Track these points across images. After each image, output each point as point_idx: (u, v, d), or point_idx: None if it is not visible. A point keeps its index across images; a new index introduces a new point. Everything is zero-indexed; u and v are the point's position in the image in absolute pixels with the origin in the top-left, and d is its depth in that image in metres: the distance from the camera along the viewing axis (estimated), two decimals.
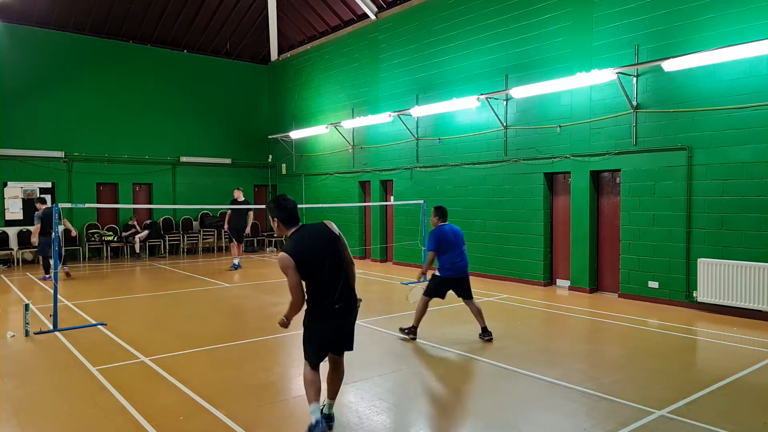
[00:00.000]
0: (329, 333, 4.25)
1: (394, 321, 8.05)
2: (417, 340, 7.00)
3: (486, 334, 6.97)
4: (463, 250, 7.13)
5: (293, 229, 4.22)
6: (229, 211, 13.82)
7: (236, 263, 13.82)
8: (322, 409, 4.31)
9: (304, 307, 4.20)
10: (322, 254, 4.13)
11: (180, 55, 18.04)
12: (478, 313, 7.07)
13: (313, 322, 4.22)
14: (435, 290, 7.12)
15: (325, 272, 4.13)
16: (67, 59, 15.84)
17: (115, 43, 16.71)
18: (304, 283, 4.10)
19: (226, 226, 13.94)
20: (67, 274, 12.24)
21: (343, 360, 4.46)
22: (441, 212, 7.22)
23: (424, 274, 7.40)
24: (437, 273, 7.10)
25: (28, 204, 15.21)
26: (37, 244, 12.02)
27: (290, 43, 18.78)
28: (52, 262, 11.21)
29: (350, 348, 4.41)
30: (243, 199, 14.11)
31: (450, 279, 7.03)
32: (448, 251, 7.01)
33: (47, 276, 11.84)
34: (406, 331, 7.08)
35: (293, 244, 4.11)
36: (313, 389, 4.18)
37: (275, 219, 4.24)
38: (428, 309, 7.18)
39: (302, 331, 4.30)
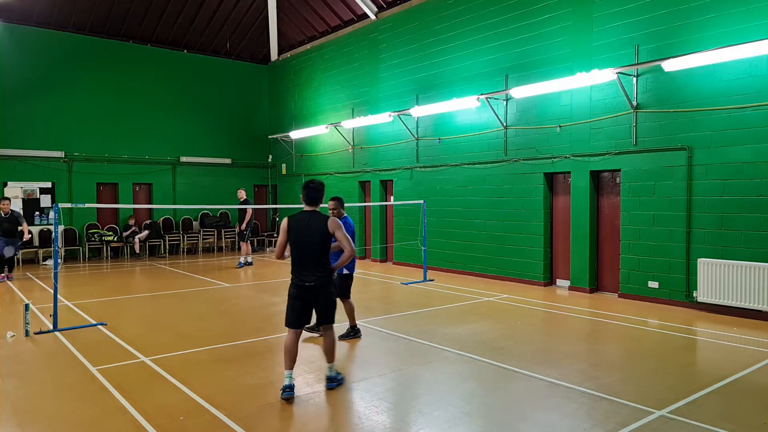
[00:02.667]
0: (301, 304, 5.12)
1: (394, 321, 8.05)
2: (417, 340, 6.99)
3: (355, 332, 7.12)
4: None
5: (307, 208, 5.20)
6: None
7: (241, 261, 14.16)
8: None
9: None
10: (307, 237, 5.05)
11: (180, 55, 18.04)
12: (351, 311, 7.09)
13: (290, 292, 5.16)
14: (349, 288, 7.08)
15: (303, 251, 5.06)
16: (67, 59, 15.84)
17: (115, 43, 16.72)
18: (290, 256, 5.16)
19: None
20: (8, 277, 12.27)
21: (328, 330, 5.33)
22: (343, 203, 6.99)
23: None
24: (346, 271, 6.95)
25: (29, 204, 15.22)
26: None
27: (290, 43, 18.78)
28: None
29: (327, 321, 5.25)
30: (243, 198, 14.20)
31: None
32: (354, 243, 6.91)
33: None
34: (351, 334, 7.09)
35: (296, 216, 5.16)
36: (288, 357, 5.09)
37: (302, 197, 5.29)
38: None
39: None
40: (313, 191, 5.21)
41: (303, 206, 5.24)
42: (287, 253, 5.20)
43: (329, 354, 5.35)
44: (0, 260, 12.07)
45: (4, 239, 11.87)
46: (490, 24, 11.73)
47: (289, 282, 5.21)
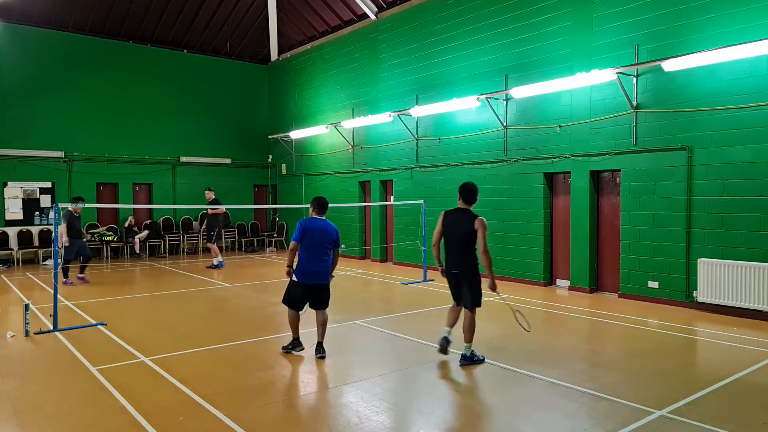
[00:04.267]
0: (451, 286, 6.15)
1: (394, 321, 8.05)
2: (417, 340, 6.98)
3: (319, 351, 6.28)
4: (326, 254, 6.23)
5: (461, 205, 6.17)
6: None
7: (214, 263, 13.83)
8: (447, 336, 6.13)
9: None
10: (452, 230, 6.06)
11: (180, 55, 18.04)
12: (322, 324, 6.38)
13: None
14: (290, 298, 6.30)
15: (452, 242, 6.06)
16: (67, 59, 15.84)
17: (115, 43, 16.72)
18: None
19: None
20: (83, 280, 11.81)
21: (468, 312, 6.02)
22: (317, 204, 6.39)
23: (290, 266, 6.31)
24: (294, 277, 6.26)
25: (28, 204, 15.22)
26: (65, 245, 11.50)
27: (290, 43, 18.78)
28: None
29: (468, 305, 6.00)
30: (212, 198, 13.93)
31: (303, 285, 6.20)
32: (308, 250, 6.16)
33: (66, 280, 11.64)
34: (290, 346, 6.40)
35: (450, 211, 6.17)
36: (450, 317, 6.22)
37: (459, 196, 6.20)
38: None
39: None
40: (468, 192, 6.14)
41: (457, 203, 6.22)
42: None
43: (466, 334, 6.01)
44: (86, 261, 11.66)
45: (78, 241, 11.46)
46: (490, 24, 11.73)
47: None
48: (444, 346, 6.07)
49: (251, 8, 17.92)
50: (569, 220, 10.61)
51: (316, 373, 5.77)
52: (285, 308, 6.50)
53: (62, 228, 11.18)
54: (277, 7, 18.12)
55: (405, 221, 14.09)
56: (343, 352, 6.61)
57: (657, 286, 9.17)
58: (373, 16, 14.99)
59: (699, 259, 8.56)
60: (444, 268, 6.21)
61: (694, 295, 8.65)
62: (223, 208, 13.79)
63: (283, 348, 6.50)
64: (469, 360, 5.97)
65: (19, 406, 4.91)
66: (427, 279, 11.68)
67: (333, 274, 6.42)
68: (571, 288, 10.53)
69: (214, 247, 14.05)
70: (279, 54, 19.37)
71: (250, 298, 10.05)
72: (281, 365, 6.13)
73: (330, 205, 6.69)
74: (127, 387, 5.31)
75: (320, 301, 6.34)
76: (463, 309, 6.11)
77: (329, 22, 16.75)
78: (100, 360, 6.17)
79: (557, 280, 11.02)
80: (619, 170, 9.77)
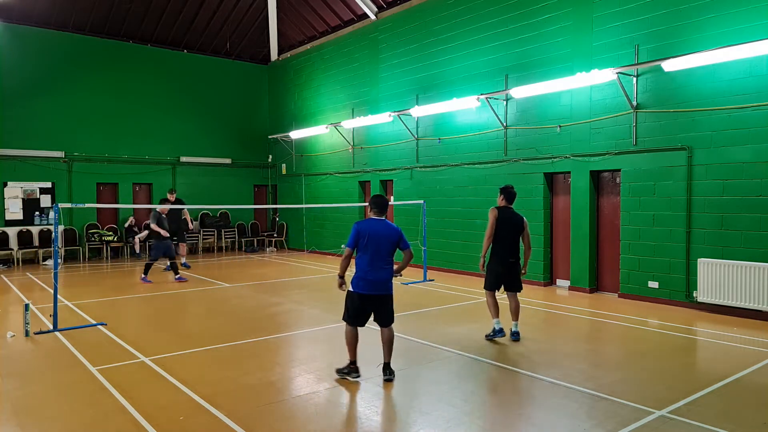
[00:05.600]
0: (502, 275, 6.92)
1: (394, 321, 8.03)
2: (417, 340, 6.98)
3: (387, 372, 5.55)
4: (387, 260, 5.54)
5: (503, 205, 7.03)
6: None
7: (185, 263, 13.65)
8: (499, 328, 6.91)
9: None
10: (507, 225, 6.87)
11: (180, 55, 18.04)
12: (387, 343, 5.63)
13: (493, 267, 6.96)
14: (351, 312, 5.55)
15: (507, 237, 6.86)
16: (67, 59, 15.84)
17: (115, 43, 16.71)
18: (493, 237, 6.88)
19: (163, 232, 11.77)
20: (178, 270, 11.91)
21: (516, 296, 7.01)
22: (374, 203, 5.64)
23: (341, 276, 5.61)
24: (350, 288, 5.55)
25: (28, 204, 15.22)
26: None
27: (290, 43, 18.78)
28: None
29: (517, 289, 6.98)
30: (174, 199, 13.79)
31: (362, 296, 5.47)
32: (365, 254, 5.46)
33: (144, 277, 11.75)
34: (345, 371, 5.59)
35: (499, 210, 6.92)
36: (494, 308, 6.91)
37: (501, 196, 7.07)
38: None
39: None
40: (512, 194, 7.06)
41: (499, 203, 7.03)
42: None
43: (516, 314, 6.96)
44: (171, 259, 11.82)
45: (166, 241, 11.65)
46: (490, 24, 11.73)
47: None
48: (500, 336, 6.84)
49: (251, 8, 17.92)
50: (569, 220, 10.61)
51: (316, 373, 5.77)
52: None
53: (153, 226, 11.58)
54: (277, 7, 18.12)
55: (405, 221, 14.08)
56: (343, 352, 6.59)
57: (657, 286, 9.17)
58: (373, 16, 14.99)
59: (699, 259, 8.56)
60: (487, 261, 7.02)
61: (694, 295, 8.65)
62: (185, 209, 13.59)
63: (338, 371, 5.62)
64: (518, 335, 6.89)
65: (19, 406, 4.91)
66: (427, 279, 11.68)
67: (401, 273, 5.80)
68: (571, 288, 10.52)
69: (183, 246, 13.85)
70: (279, 54, 19.37)
71: (250, 298, 10.05)
72: (281, 365, 6.13)
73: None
74: (127, 387, 5.31)
75: (383, 316, 5.58)
76: (507, 295, 6.99)
77: (329, 22, 16.75)
78: (100, 360, 6.17)
79: (557, 280, 11.01)
80: (619, 170, 9.77)
